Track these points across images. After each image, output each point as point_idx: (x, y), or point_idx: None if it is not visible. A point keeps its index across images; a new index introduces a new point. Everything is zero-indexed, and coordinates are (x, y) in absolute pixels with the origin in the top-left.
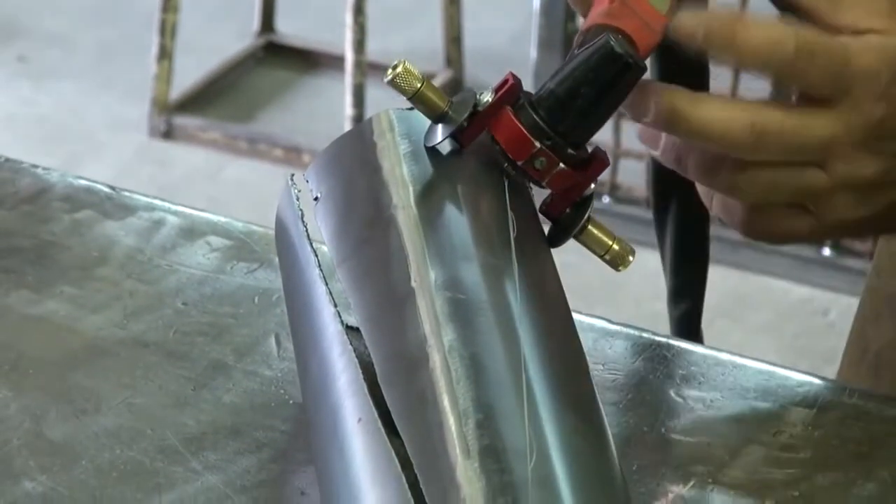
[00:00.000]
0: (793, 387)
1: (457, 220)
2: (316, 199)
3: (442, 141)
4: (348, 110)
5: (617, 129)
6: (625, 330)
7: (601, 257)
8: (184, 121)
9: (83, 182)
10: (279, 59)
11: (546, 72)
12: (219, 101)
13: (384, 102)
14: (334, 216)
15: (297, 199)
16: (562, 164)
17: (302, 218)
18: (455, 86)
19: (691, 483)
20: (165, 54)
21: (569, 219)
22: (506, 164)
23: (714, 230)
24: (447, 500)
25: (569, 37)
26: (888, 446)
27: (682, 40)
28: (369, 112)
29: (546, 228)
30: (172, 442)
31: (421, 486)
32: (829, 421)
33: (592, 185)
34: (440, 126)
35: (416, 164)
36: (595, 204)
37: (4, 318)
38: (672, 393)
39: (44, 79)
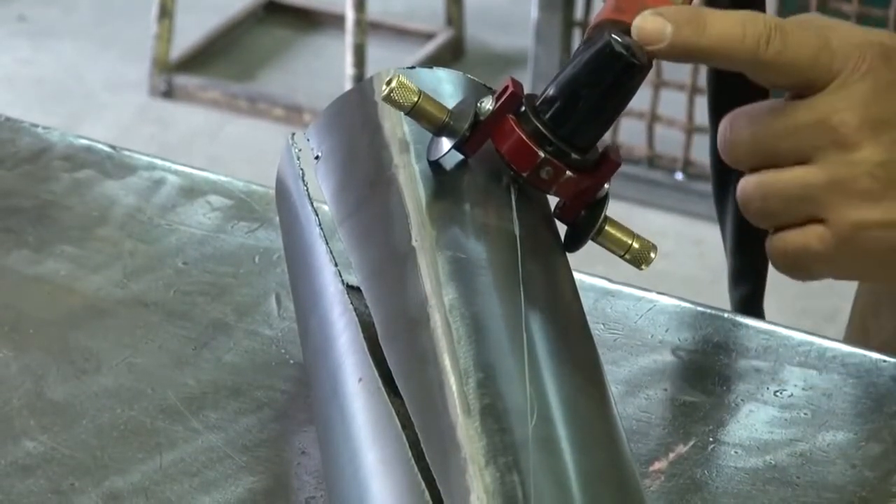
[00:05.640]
0: (794, 346)
1: (458, 180)
2: (317, 158)
3: (446, 153)
4: (349, 70)
5: None
6: (625, 289)
7: (621, 257)
8: (184, 80)
9: (83, 141)
10: (280, 18)
11: (547, 32)
12: (219, 61)
13: (385, 62)
14: (335, 175)
15: (298, 159)
16: (568, 172)
17: (302, 177)
18: (456, 45)
19: (692, 442)
20: (166, 13)
21: (584, 222)
22: (512, 174)
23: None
24: (448, 459)
25: None
26: (890, 406)
27: (648, 41)
28: (370, 71)
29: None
30: (173, 402)
31: (421, 445)
32: (830, 380)
33: (606, 186)
34: (443, 139)
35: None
36: None
37: (5, 278)
38: (673, 352)
39: (44, 38)
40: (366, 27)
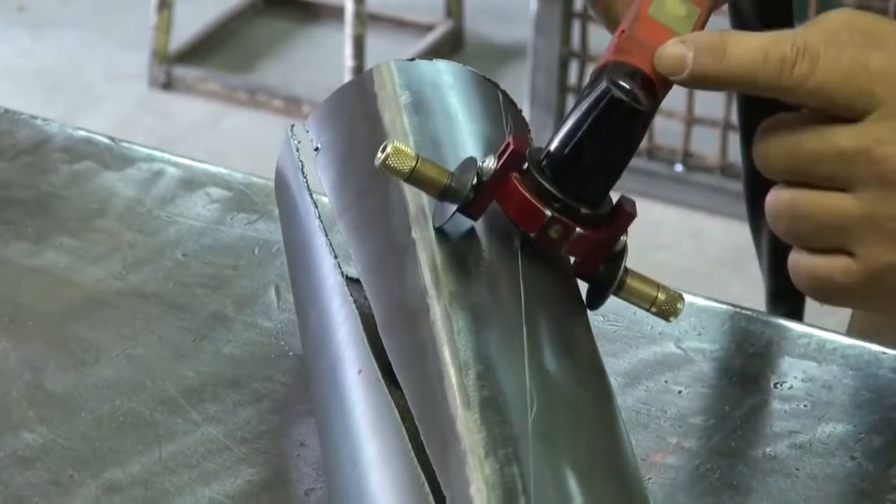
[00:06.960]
0: (794, 338)
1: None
2: (316, 149)
3: (450, 219)
4: (348, 61)
5: None
6: None
7: (647, 310)
8: (183, 72)
9: (82, 133)
10: (279, 9)
11: (547, 23)
12: (219, 52)
13: (384, 54)
14: (335, 167)
15: (297, 150)
16: (579, 229)
17: (302, 169)
18: (455, 37)
19: (692, 434)
20: (165, 4)
21: (603, 278)
22: (521, 236)
23: (716, 180)
24: (448, 451)
25: None
26: (890, 398)
27: (669, 70)
28: (369, 63)
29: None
30: (172, 393)
31: (421, 437)
32: (830, 372)
33: (624, 238)
34: (446, 204)
35: (417, 115)
36: None
37: (4, 270)
38: (673, 344)
39: (43, 29)
40: (365, 19)
